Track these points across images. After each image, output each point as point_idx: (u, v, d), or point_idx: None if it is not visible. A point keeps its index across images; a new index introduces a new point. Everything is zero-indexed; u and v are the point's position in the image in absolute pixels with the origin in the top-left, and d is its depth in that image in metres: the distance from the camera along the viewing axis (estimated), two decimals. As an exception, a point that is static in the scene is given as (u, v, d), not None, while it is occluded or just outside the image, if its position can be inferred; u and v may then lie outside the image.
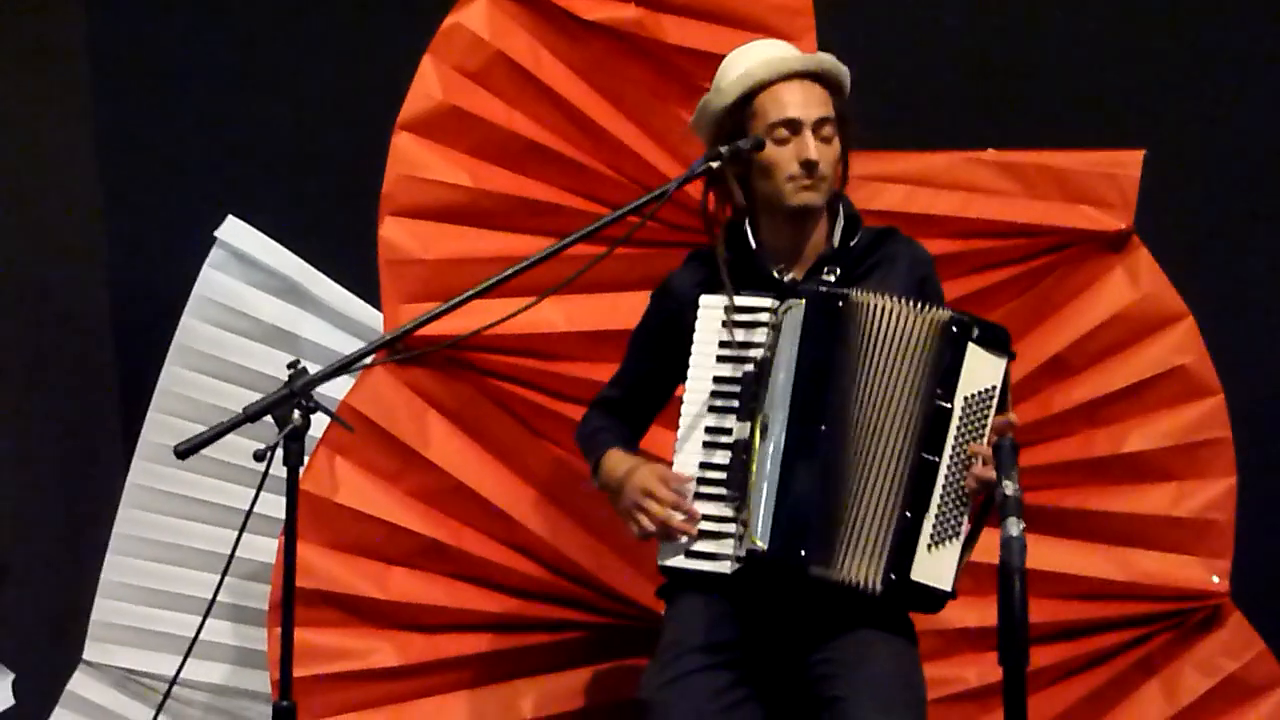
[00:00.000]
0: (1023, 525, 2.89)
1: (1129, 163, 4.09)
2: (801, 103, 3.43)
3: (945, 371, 3.29)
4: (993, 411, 3.34)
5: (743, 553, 3.31)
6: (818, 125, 3.42)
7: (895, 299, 3.32)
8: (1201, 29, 4.41)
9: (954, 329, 3.30)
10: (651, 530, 3.39)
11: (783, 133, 3.42)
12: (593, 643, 4.05)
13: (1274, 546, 4.26)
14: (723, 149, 3.43)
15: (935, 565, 3.28)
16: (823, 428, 3.28)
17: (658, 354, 3.57)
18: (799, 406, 3.30)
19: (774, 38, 4.07)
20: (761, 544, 3.27)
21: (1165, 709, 4.08)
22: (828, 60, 3.47)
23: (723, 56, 4.05)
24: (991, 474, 3.24)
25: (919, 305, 3.33)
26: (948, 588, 3.30)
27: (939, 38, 4.40)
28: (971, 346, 3.30)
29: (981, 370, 3.32)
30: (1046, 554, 3.99)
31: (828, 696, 3.29)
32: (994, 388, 3.33)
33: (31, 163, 4.51)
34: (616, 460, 3.51)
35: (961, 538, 3.32)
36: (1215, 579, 4.07)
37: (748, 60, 3.49)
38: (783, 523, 3.27)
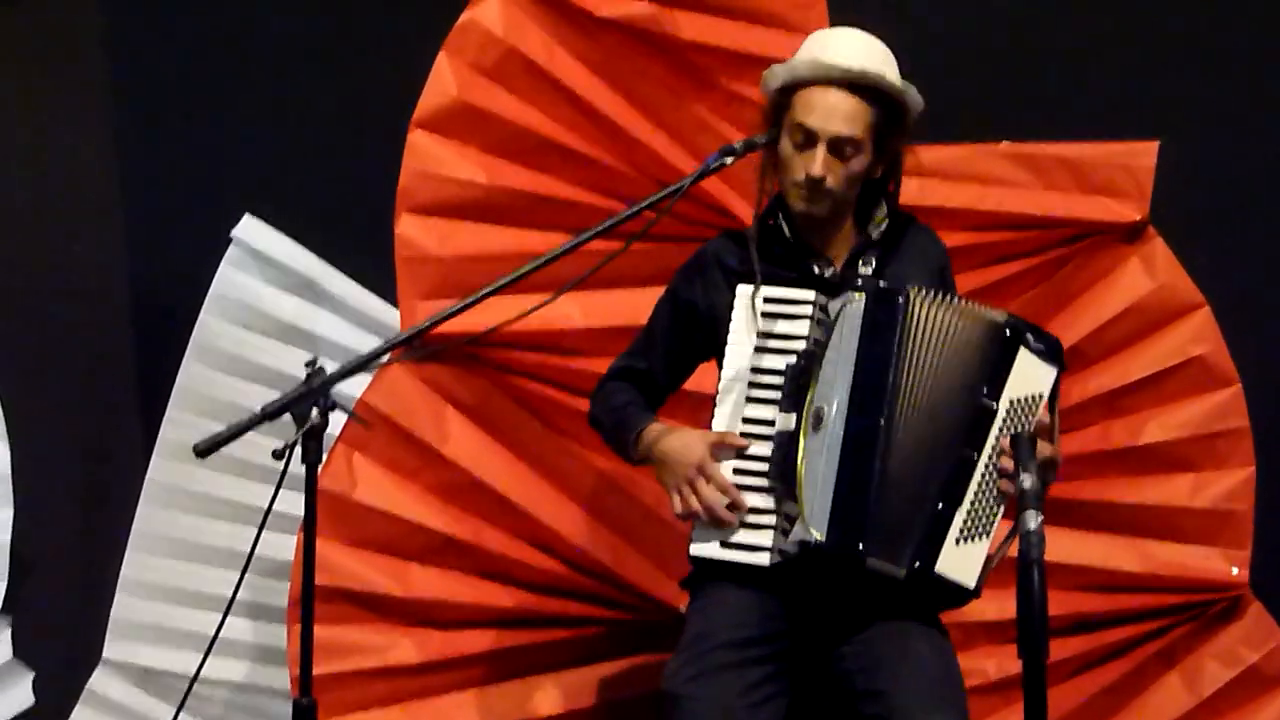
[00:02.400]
0: (1041, 518, 2.89)
1: (1144, 153, 4.10)
2: (825, 114, 3.37)
3: (994, 371, 3.28)
4: (1039, 417, 3.33)
5: (794, 545, 3.29)
6: (836, 141, 3.38)
7: (951, 296, 3.33)
8: (1216, 18, 4.39)
9: (1008, 331, 3.29)
10: (696, 510, 3.36)
11: (800, 137, 3.40)
12: (611, 638, 4.05)
13: (1293, 537, 4.25)
14: (737, 145, 3.43)
15: (961, 560, 3.27)
16: (881, 421, 3.26)
17: (688, 329, 3.54)
18: (859, 400, 3.27)
19: (788, 31, 4.10)
20: (819, 535, 3.25)
21: (1186, 700, 4.08)
22: (873, 72, 3.38)
23: (737, 52, 4.08)
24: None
25: (974, 304, 3.34)
26: (971, 585, 3.29)
27: (953, 29, 4.39)
28: (1023, 351, 3.30)
29: (1031, 376, 3.31)
30: (1065, 546, 3.99)
31: (868, 690, 3.27)
32: (1041, 395, 3.32)
33: (50, 161, 4.52)
34: (660, 430, 3.46)
35: (991, 538, 3.30)
36: (1235, 569, 4.07)
37: (812, 48, 3.45)
38: (841, 514, 3.24)
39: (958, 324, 3.31)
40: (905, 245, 3.50)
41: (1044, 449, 3.27)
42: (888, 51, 3.46)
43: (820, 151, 3.37)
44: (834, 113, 3.37)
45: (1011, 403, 3.29)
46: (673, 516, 3.91)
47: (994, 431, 3.27)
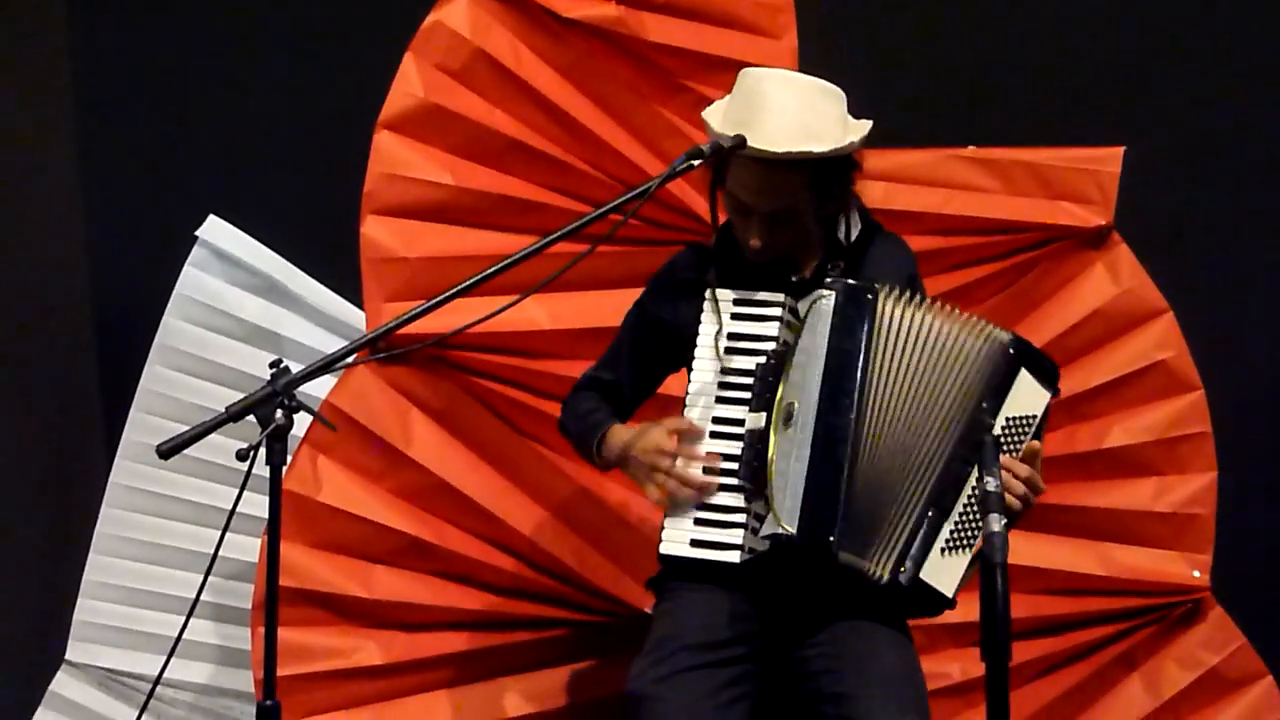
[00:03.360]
0: (1005, 521, 2.90)
1: (1109, 159, 4.11)
2: (755, 192, 3.37)
3: (996, 389, 3.31)
4: (1029, 439, 3.35)
5: (764, 541, 3.29)
6: (770, 214, 3.38)
7: (935, 301, 3.34)
8: (1181, 25, 4.42)
9: (1012, 351, 3.32)
10: (671, 489, 3.36)
11: (734, 203, 3.41)
12: (577, 640, 4.05)
13: (1254, 541, 4.28)
14: (704, 147, 3.42)
15: (944, 570, 3.28)
16: (852, 416, 3.27)
17: (654, 342, 3.55)
18: (829, 395, 3.28)
19: (755, 35, 4.11)
20: (790, 528, 3.25)
21: (1147, 703, 4.10)
22: (797, 152, 3.29)
23: (704, 55, 4.08)
24: (1017, 486, 3.27)
25: (977, 320, 3.35)
26: (950, 594, 3.30)
27: (920, 35, 4.41)
28: (1024, 372, 3.33)
29: (1027, 397, 3.33)
30: (1028, 549, 4.00)
31: (832, 692, 3.28)
32: (1036, 416, 3.35)
33: (11, 162, 4.50)
34: (620, 431, 3.49)
35: (973, 552, 3.31)
36: (1196, 573, 4.09)
37: (742, 111, 3.35)
38: (812, 508, 3.25)
39: (949, 330, 3.32)
40: (873, 253, 3.50)
41: (1027, 470, 3.30)
42: (824, 95, 3.37)
43: (756, 224, 3.39)
44: (763, 191, 3.37)
45: (1008, 420, 3.31)
46: (638, 519, 3.93)
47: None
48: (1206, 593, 4.10)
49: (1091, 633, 4.11)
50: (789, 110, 3.34)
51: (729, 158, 3.37)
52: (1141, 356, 4.11)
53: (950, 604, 3.31)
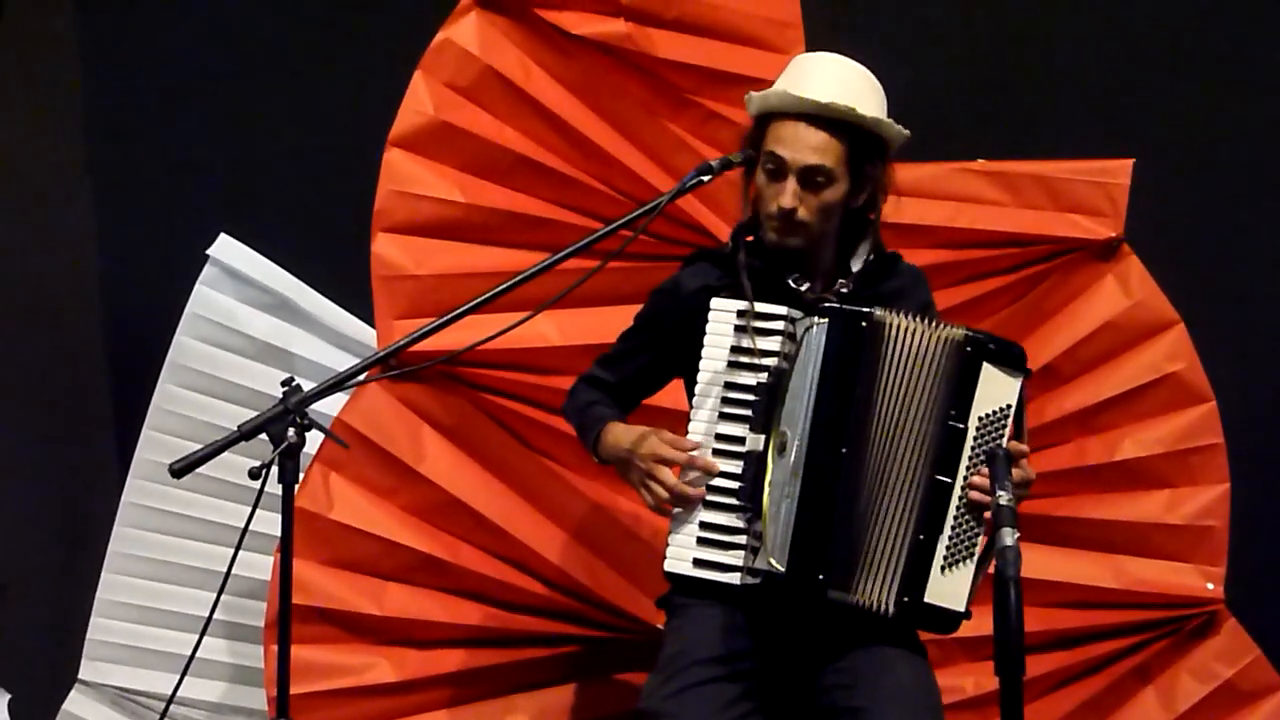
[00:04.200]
0: (1017, 534, 2.89)
1: (1119, 171, 4.11)
2: (794, 145, 3.36)
3: (959, 392, 3.25)
4: (1008, 429, 3.31)
5: (757, 571, 3.29)
6: (806, 171, 3.36)
7: (912, 317, 3.30)
8: (1192, 36, 4.42)
9: (969, 348, 3.26)
10: (665, 498, 3.36)
11: (771, 166, 3.39)
12: (588, 657, 4.05)
13: (1268, 552, 4.27)
14: (713, 163, 3.42)
15: (949, 586, 3.26)
16: (844, 450, 3.26)
17: (658, 349, 3.54)
18: (820, 428, 3.26)
19: (763, 50, 4.11)
20: (780, 566, 3.25)
21: (1161, 716, 4.09)
22: (841, 106, 3.34)
23: (713, 70, 4.09)
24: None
25: (933, 323, 3.30)
26: (961, 608, 3.28)
27: (930, 49, 4.41)
28: (986, 366, 3.27)
29: (996, 389, 3.28)
30: (1041, 562, 4.00)
31: (846, 706, 3.27)
32: (1009, 406, 3.29)
33: (25, 180, 4.52)
34: (620, 431, 3.47)
35: (976, 558, 3.29)
36: (1210, 585, 4.08)
37: (788, 77, 3.42)
38: (801, 546, 3.24)
39: (918, 344, 3.28)
40: (886, 286, 3.47)
41: (1017, 471, 3.26)
42: (869, 79, 3.43)
43: (791, 183, 3.36)
44: (803, 144, 3.36)
45: (980, 419, 3.27)
46: (650, 534, 3.92)
47: (966, 452, 3.26)
48: (1220, 605, 4.09)
49: (1105, 646, 4.11)
50: (837, 79, 3.39)
51: (769, 122, 3.37)
52: (1153, 368, 4.11)
53: (965, 616, 3.29)
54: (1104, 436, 4.13)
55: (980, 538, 3.29)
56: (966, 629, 3.69)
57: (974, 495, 3.25)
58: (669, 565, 3.39)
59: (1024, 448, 3.31)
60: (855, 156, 3.38)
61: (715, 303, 3.41)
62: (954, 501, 3.26)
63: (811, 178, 3.36)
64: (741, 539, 3.34)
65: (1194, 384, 4.11)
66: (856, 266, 3.47)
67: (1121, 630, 4.10)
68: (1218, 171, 4.39)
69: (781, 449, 3.29)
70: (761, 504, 3.29)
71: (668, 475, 3.36)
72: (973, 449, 3.26)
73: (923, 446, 3.26)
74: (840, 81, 3.39)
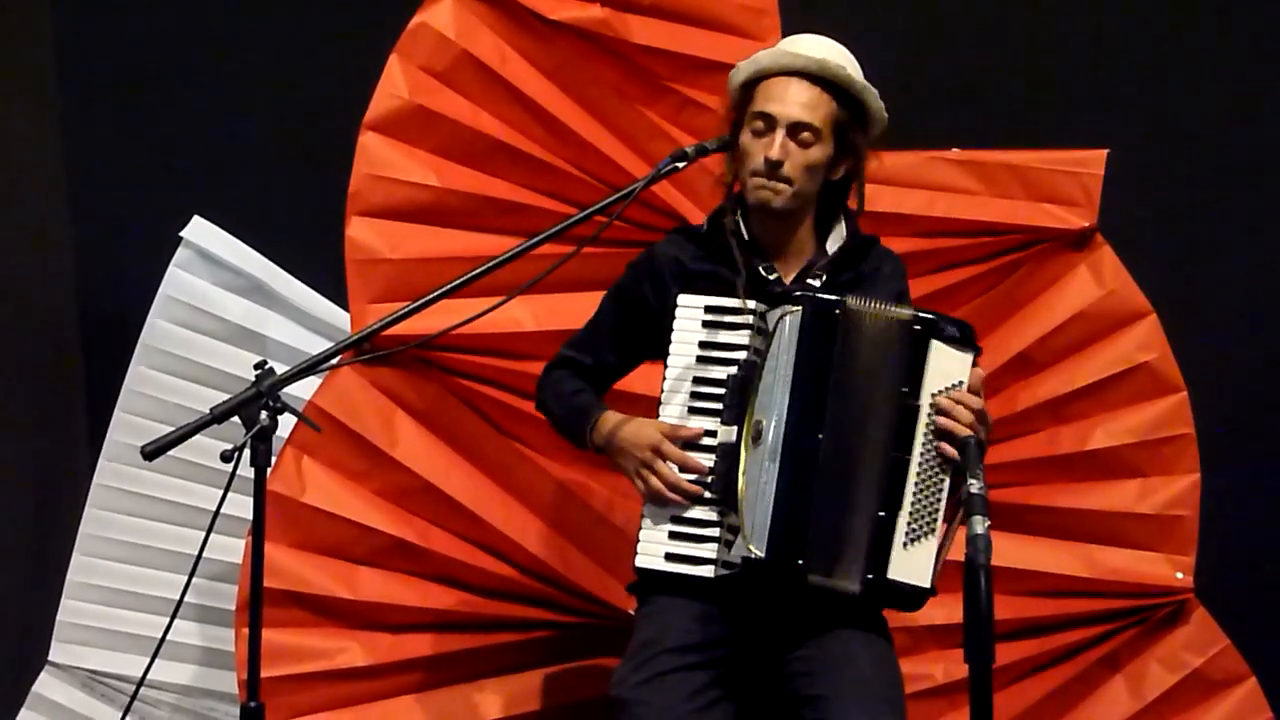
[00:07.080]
0: (988, 523, 2.90)
1: (1093, 161, 4.12)
2: (783, 100, 3.39)
3: (911, 370, 3.29)
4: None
5: (736, 559, 3.30)
6: (795, 127, 3.38)
7: (873, 301, 3.32)
8: (1166, 27, 4.43)
9: (916, 327, 3.30)
10: (658, 489, 3.37)
11: (759, 124, 3.41)
12: (560, 642, 4.05)
13: (1238, 542, 4.29)
14: (689, 149, 3.43)
15: (912, 563, 3.29)
16: (820, 436, 3.27)
17: (634, 327, 3.54)
18: (796, 415, 3.28)
19: (739, 38, 4.11)
20: (759, 552, 3.26)
21: (1130, 704, 4.11)
22: (832, 64, 3.40)
23: (689, 57, 4.09)
24: (956, 427, 3.26)
25: (884, 305, 3.33)
26: (926, 584, 3.30)
27: (903, 37, 4.42)
28: (935, 344, 3.31)
29: (948, 367, 3.32)
30: (1012, 551, 4.02)
31: (808, 695, 3.28)
32: (961, 382, 3.33)
33: (-4, 163, 4.50)
34: (617, 419, 3.48)
35: (938, 534, 3.32)
36: (1179, 575, 4.10)
37: (777, 48, 3.47)
38: (781, 531, 3.26)
39: (879, 329, 3.31)
40: (863, 268, 3.49)
41: (974, 400, 3.30)
42: (851, 57, 3.47)
43: (779, 136, 3.38)
44: (793, 100, 3.39)
45: (933, 396, 3.30)
46: (623, 520, 3.92)
47: (920, 429, 3.29)
48: (1190, 594, 4.11)
49: (1075, 634, 4.12)
50: (828, 48, 3.44)
51: (757, 86, 3.40)
52: (1125, 358, 4.13)
53: (931, 592, 3.31)
54: (1075, 426, 4.14)
55: (940, 514, 3.31)
56: (936, 616, 3.72)
57: (941, 421, 3.26)
58: (640, 561, 3.40)
59: (980, 372, 3.34)
60: (841, 121, 3.41)
61: (681, 299, 3.42)
62: (912, 476, 3.28)
63: (799, 133, 3.38)
64: (715, 531, 3.35)
65: (1166, 374, 4.13)
66: (833, 247, 3.48)
67: (1091, 619, 4.11)
68: (1191, 162, 4.41)
69: (756, 438, 3.30)
70: (736, 495, 3.30)
71: (664, 467, 3.37)
72: (928, 425, 3.29)
73: (884, 426, 3.29)
74: (831, 49, 3.44)
